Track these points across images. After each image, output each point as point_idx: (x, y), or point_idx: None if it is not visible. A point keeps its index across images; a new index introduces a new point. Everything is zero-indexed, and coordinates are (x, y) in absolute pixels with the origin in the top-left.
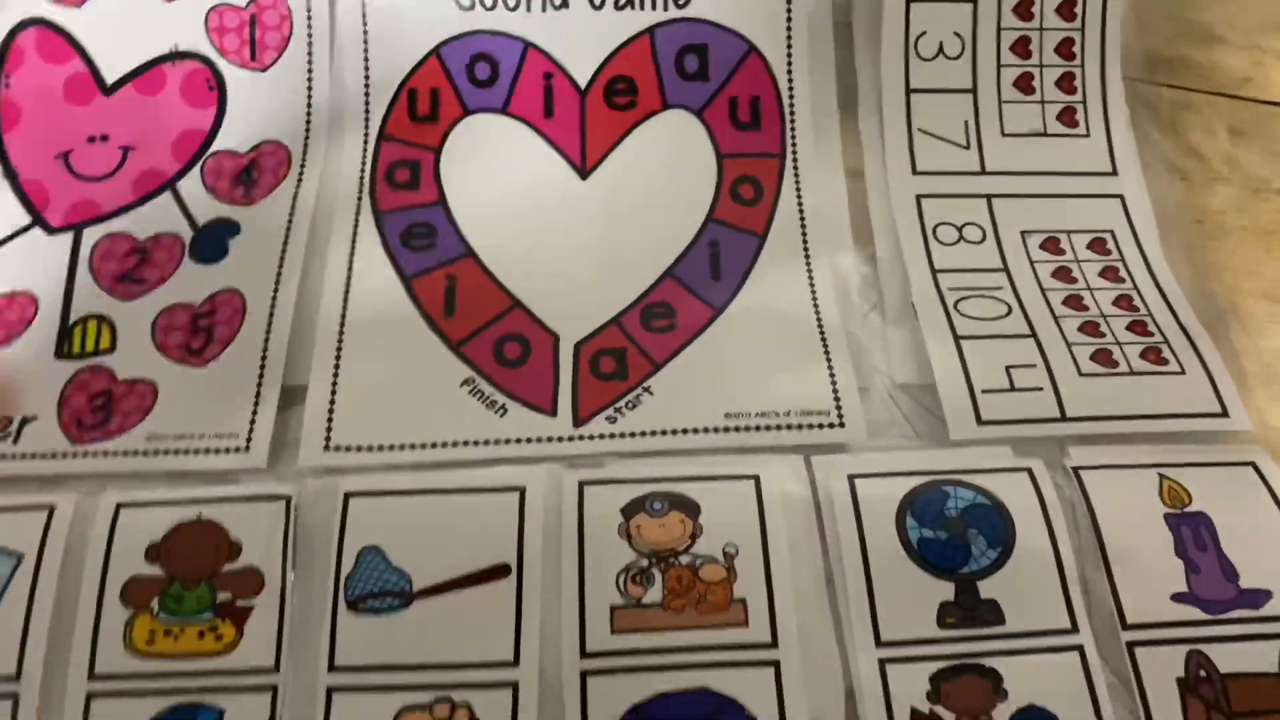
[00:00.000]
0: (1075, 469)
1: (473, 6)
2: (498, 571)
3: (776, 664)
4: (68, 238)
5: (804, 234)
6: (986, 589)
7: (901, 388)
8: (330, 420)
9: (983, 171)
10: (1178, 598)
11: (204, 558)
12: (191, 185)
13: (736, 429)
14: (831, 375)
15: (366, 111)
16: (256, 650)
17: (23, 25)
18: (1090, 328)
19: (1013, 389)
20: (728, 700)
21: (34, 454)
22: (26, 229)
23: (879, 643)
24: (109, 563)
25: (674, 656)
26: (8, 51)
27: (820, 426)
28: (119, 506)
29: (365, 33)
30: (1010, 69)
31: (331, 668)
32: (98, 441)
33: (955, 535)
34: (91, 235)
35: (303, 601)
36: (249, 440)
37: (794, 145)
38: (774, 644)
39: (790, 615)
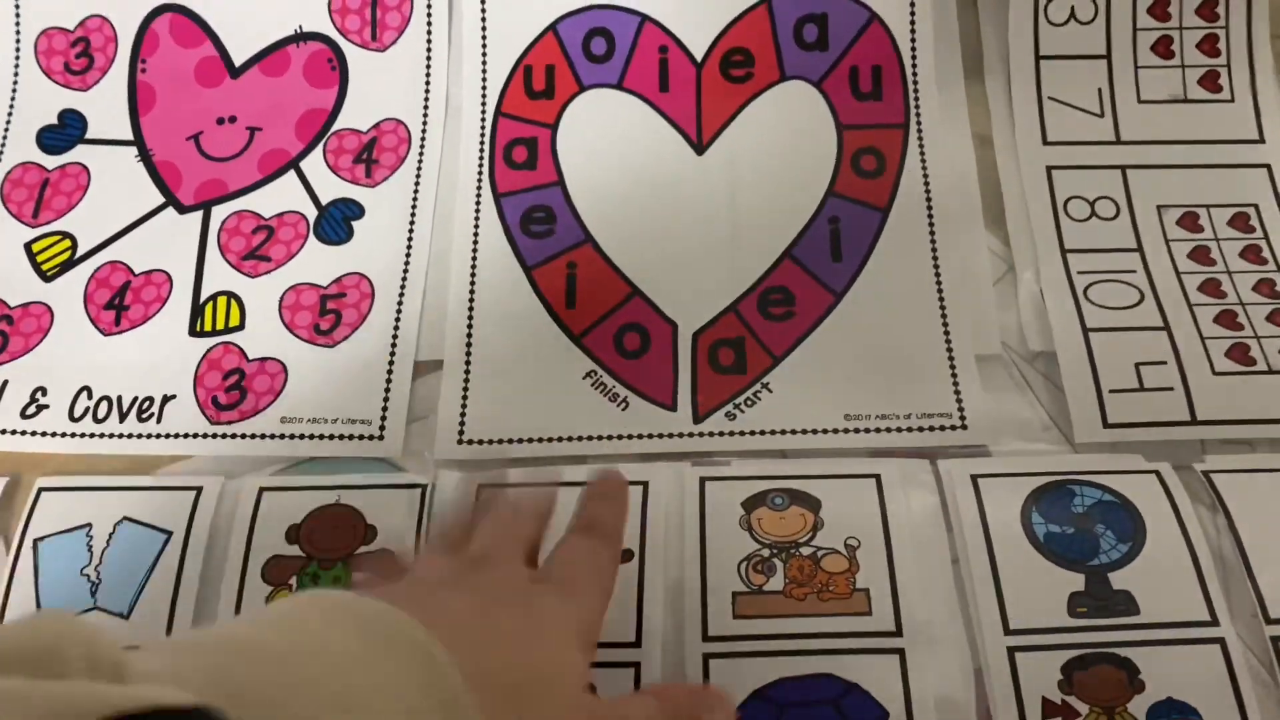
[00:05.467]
0: (1207, 474)
1: None
2: (621, 556)
3: (901, 651)
4: (198, 216)
5: (929, 206)
6: (1119, 580)
7: (1030, 357)
8: (463, 415)
9: (1118, 141)
10: None
11: (341, 540)
12: (314, 164)
13: (857, 430)
14: (954, 374)
15: (484, 89)
16: None
17: (158, 11)
18: (1227, 319)
19: (1141, 389)
20: (851, 685)
21: (176, 434)
22: (161, 209)
23: (1007, 630)
24: (251, 542)
25: (796, 642)
26: (144, 36)
27: (943, 429)
28: (261, 490)
29: (484, 10)
30: (1147, 32)
31: None
32: (234, 423)
33: (1083, 530)
34: (220, 213)
35: None
36: (382, 428)
37: (918, 115)
38: (898, 632)
39: (915, 604)
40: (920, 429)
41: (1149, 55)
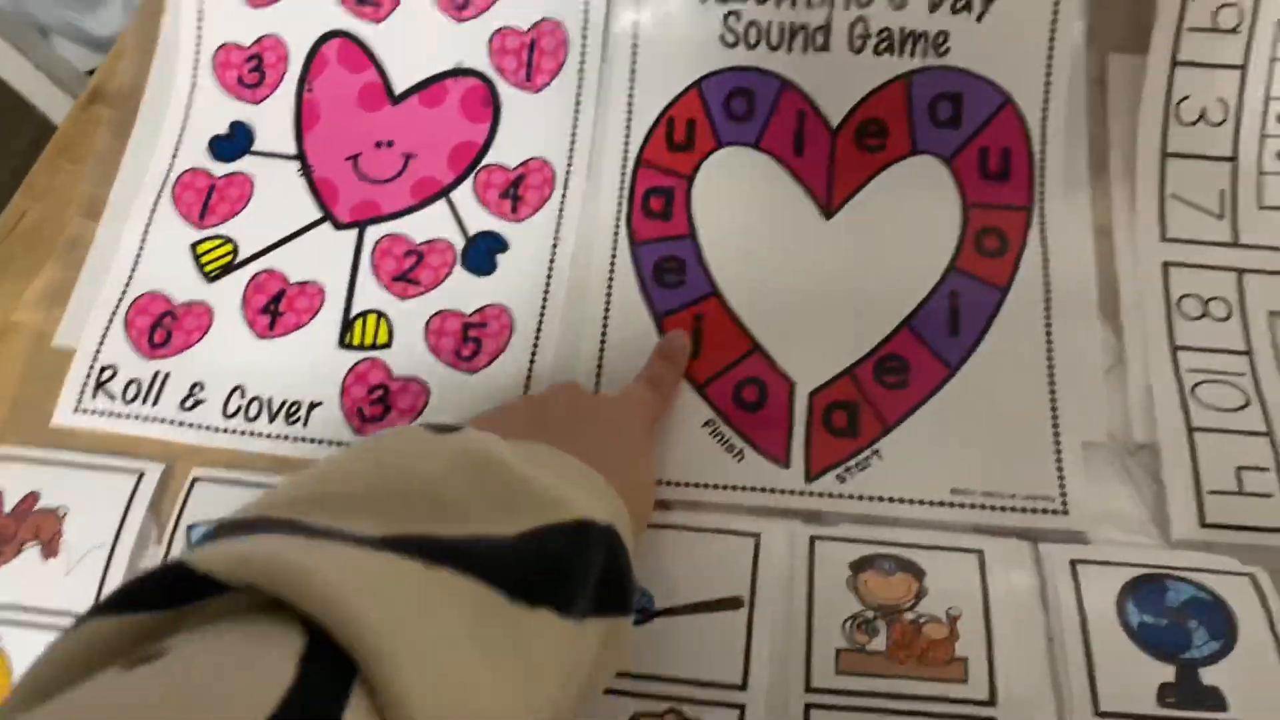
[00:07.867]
0: None
1: (736, 44)
2: (731, 602)
3: None
4: (353, 234)
5: (1047, 291)
6: (1208, 676)
7: (1133, 449)
8: None
9: (1235, 243)
10: None
11: None
12: (464, 195)
13: (962, 505)
14: (1059, 459)
15: (627, 136)
16: None
17: (328, 36)
18: None
19: (1241, 492)
20: None
21: (321, 440)
22: (318, 223)
23: (1097, 712)
24: None
25: (895, 702)
26: (313, 58)
27: (1045, 511)
28: None
29: (634, 62)
30: (1274, 139)
31: None
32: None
33: (1175, 623)
34: (373, 234)
35: None
36: None
37: (1042, 200)
38: (992, 701)
39: (1009, 677)
40: (1023, 509)
41: (1274, 161)
